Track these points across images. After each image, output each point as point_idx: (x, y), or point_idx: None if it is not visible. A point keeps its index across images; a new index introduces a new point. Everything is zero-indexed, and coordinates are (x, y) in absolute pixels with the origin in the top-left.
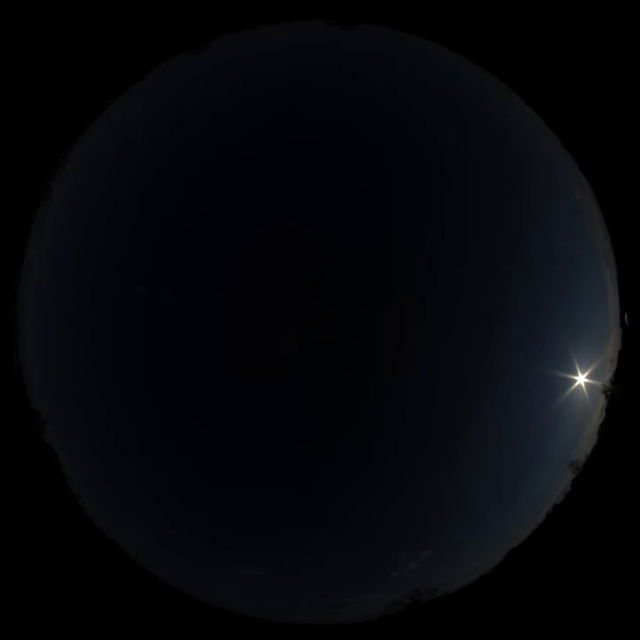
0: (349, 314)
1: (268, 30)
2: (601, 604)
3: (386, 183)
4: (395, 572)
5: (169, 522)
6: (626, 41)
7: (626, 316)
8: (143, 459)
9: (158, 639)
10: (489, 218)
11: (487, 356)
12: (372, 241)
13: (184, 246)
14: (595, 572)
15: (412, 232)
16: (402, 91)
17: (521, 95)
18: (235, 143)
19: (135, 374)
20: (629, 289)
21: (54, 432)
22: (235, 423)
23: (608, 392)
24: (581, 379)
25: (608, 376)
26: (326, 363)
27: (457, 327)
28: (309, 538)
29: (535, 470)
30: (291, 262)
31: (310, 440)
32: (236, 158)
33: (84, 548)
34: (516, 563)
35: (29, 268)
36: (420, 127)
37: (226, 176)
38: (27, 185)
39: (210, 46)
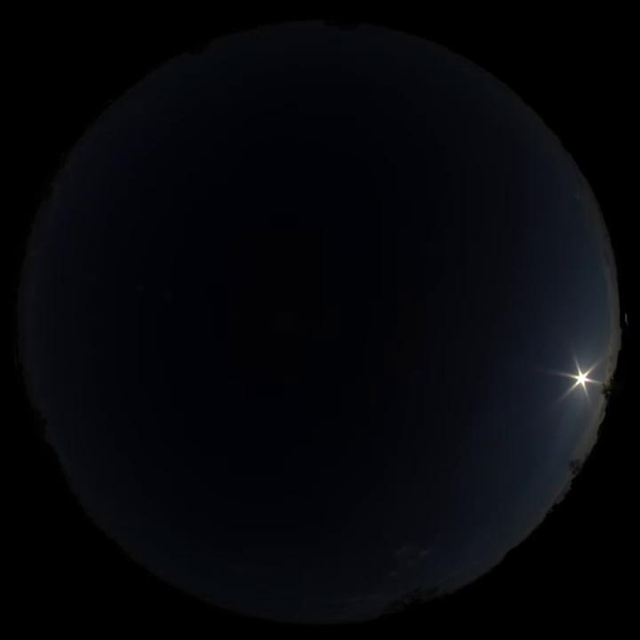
0: (350, 314)
1: (267, 30)
2: (601, 604)
3: (386, 183)
4: (395, 571)
5: (169, 522)
6: (626, 41)
7: (626, 315)
8: (143, 459)
9: (158, 639)
10: (489, 218)
11: (487, 356)
12: (373, 241)
13: (184, 246)
14: (595, 571)
15: (412, 232)
16: (402, 91)
17: (521, 95)
18: (234, 143)
19: (135, 374)
20: (629, 289)
21: (54, 432)
22: (234, 423)
23: (608, 392)
24: (582, 378)
25: (608, 376)
26: (327, 363)
27: (457, 327)
28: (309, 538)
29: (535, 470)
30: (291, 262)
31: (310, 440)
32: (235, 158)
33: (84, 548)
34: (515, 563)
35: (29, 267)
36: (420, 127)
37: (226, 176)
38: (27, 185)
39: (210, 46)
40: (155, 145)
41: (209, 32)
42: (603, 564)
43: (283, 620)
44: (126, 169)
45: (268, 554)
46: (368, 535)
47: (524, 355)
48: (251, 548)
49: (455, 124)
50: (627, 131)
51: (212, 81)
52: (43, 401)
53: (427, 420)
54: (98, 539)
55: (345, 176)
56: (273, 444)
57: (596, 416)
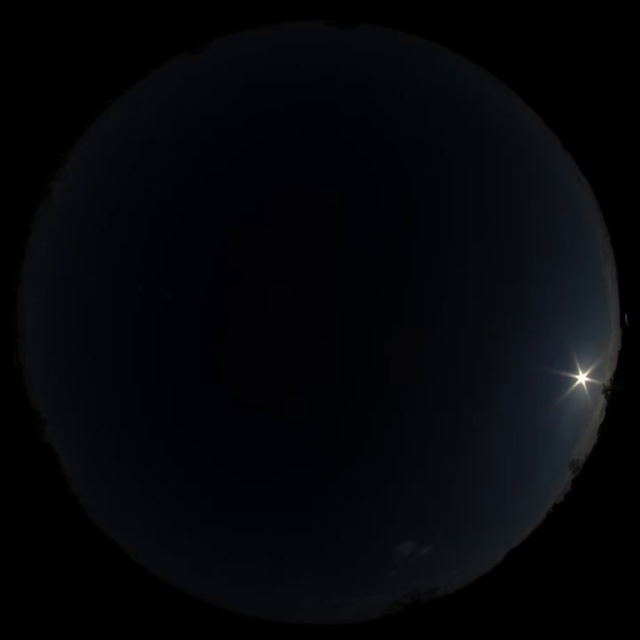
0: (352, 318)
1: (267, 30)
2: (601, 604)
3: (386, 183)
4: (395, 571)
5: (169, 522)
6: (626, 41)
7: (626, 316)
8: (143, 459)
9: (158, 639)
10: (489, 219)
11: (488, 357)
12: (373, 243)
13: (184, 247)
14: (595, 571)
15: (412, 233)
16: (402, 91)
17: (521, 95)
18: (234, 143)
19: (135, 375)
20: (629, 289)
21: (54, 432)
22: (235, 424)
23: (608, 391)
24: (582, 377)
25: (608, 375)
26: (327, 363)
27: (457, 328)
28: (309, 538)
29: (535, 470)
30: (290, 262)
31: (310, 442)
32: (235, 158)
33: (84, 548)
34: (515, 563)
35: (29, 267)
36: (420, 127)
37: (225, 176)
38: (27, 185)
39: (210, 46)
40: (154, 145)
41: (209, 32)
42: (603, 564)
43: (283, 620)
44: (126, 169)
45: (268, 554)
46: (368, 536)
47: (524, 355)
48: (251, 549)
49: (455, 124)
50: (627, 131)
51: (211, 81)
52: (43, 401)
53: (427, 422)
54: (98, 539)
55: (345, 176)
56: (273, 445)
57: (596, 416)
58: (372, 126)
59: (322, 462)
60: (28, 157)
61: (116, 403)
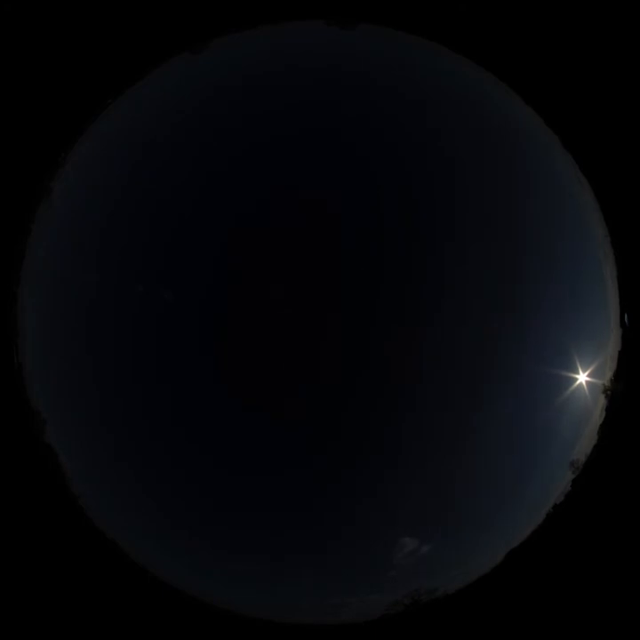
0: (352, 319)
1: (267, 30)
2: (601, 604)
3: (386, 183)
4: (394, 571)
5: (169, 522)
6: (626, 41)
7: (626, 316)
8: (143, 459)
9: (158, 639)
10: (489, 219)
11: (488, 356)
12: (373, 244)
13: (184, 247)
14: (595, 571)
15: (412, 233)
16: (402, 91)
17: (521, 95)
18: (234, 143)
19: (134, 374)
20: (629, 289)
21: (54, 432)
22: (235, 424)
23: (608, 391)
24: (582, 377)
25: (608, 375)
26: (327, 363)
27: (458, 327)
28: (309, 538)
29: (535, 470)
30: (290, 263)
31: (310, 442)
32: (235, 158)
33: (84, 548)
34: (516, 563)
35: (29, 267)
36: (420, 127)
37: (225, 176)
38: (27, 185)
39: (210, 46)
40: (154, 145)
41: (209, 32)
42: (603, 564)
43: (283, 620)
44: (126, 169)
45: (268, 554)
46: (368, 536)
47: (524, 355)
48: (250, 549)
49: (455, 124)
50: (627, 131)
51: (211, 81)
52: (43, 401)
53: (427, 422)
54: (98, 539)
55: (345, 176)
56: (273, 445)
57: (597, 416)
58: (371, 126)
59: (322, 462)
60: (28, 157)
61: (115, 403)
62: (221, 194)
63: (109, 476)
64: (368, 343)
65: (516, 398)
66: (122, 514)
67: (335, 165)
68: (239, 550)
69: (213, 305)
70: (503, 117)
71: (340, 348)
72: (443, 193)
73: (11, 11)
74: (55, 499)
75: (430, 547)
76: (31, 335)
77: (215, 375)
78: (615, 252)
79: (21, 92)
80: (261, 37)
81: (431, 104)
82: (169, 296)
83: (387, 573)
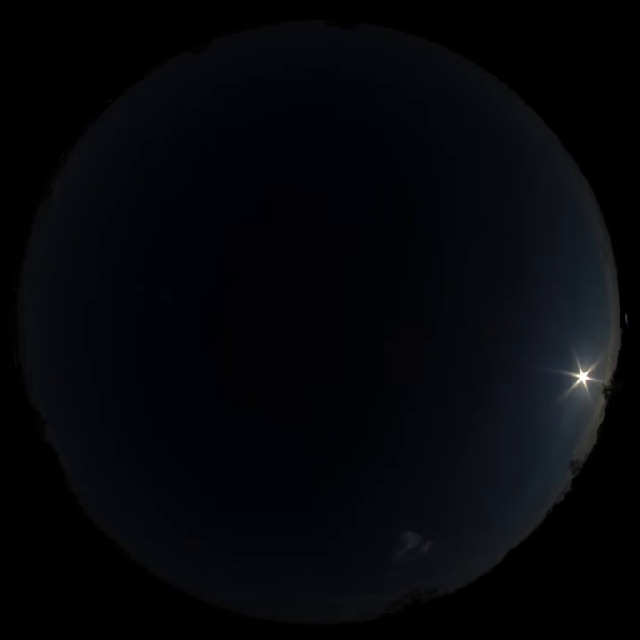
0: (352, 318)
1: (267, 30)
2: (601, 604)
3: (386, 183)
4: (394, 571)
5: (169, 522)
6: (626, 41)
7: (626, 315)
8: (143, 459)
9: (158, 639)
10: (489, 219)
11: (488, 356)
12: (373, 244)
13: (184, 247)
14: (595, 571)
15: (412, 232)
16: (402, 91)
17: (521, 95)
18: (234, 143)
19: (134, 374)
20: (629, 289)
21: (54, 432)
22: (235, 423)
23: (608, 391)
24: (582, 377)
25: (608, 375)
26: (327, 363)
27: (458, 327)
28: (309, 538)
29: (535, 470)
30: (290, 263)
31: (310, 442)
32: (235, 158)
33: (84, 548)
34: (516, 563)
35: (29, 267)
36: (420, 127)
37: (225, 176)
38: (27, 185)
39: (210, 46)
40: (154, 145)
41: (209, 32)
42: (603, 564)
43: (283, 620)
44: (126, 169)
45: (269, 554)
46: (368, 536)
47: (524, 355)
48: (250, 549)
49: (455, 124)
50: (627, 131)
51: (211, 81)
52: (43, 401)
53: (427, 422)
54: (98, 539)
55: (345, 176)
56: (273, 445)
57: (597, 416)
58: (372, 126)
59: (322, 462)
60: (28, 157)
61: (115, 403)
62: (221, 194)
63: (109, 475)
64: (368, 343)
65: (515, 398)
66: (122, 514)
67: (335, 165)
68: (239, 550)
69: (213, 305)
70: (503, 117)
71: (340, 348)
72: (443, 193)
73: (11, 11)
74: (55, 499)
75: (430, 547)
76: (31, 335)
77: (215, 375)
78: (615, 252)
79: (21, 92)
80: (261, 37)
81: (431, 104)
82: (169, 296)
83: (387, 573)
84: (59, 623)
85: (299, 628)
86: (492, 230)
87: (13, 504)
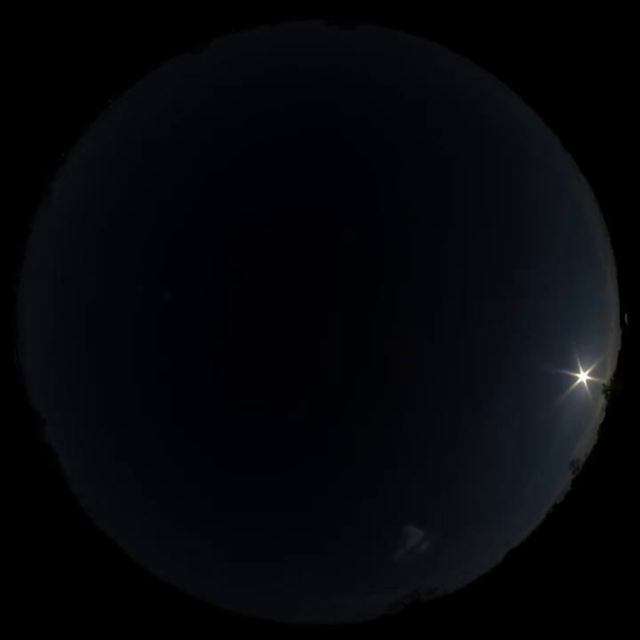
0: (352, 318)
1: (267, 30)
2: (601, 604)
3: (386, 183)
4: (394, 571)
5: (169, 522)
6: (626, 41)
7: (626, 315)
8: (143, 459)
9: (158, 639)
10: (489, 219)
11: (488, 356)
12: (373, 244)
13: (184, 247)
14: (595, 571)
15: (412, 233)
16: (402, 91)
17: (521, 95)
18: (234, 143)
19: (134, 374)
20: (629, 289)
21: (54, 432)
22: (235, 423)
23: (608, 391)
24: (582, 377)
25: (608, 375)
26: (327, 363)
27: (458, 327)
28: (309, 538)
29: (535, 470)
30: (290, 263)
31: (310, 442)
32: (235, 158)
33: (84, 548)
34: (516, 563)
35: (29, 267)
36: (420, 127)
37: (225, 176)
38: (27, 185)
39: (210, 46)
40: (154, 145)
41: (209, 32)
42: (603, 564)
43: (283, 620)
44: (126, 169)
45: (268, 554)
46: (368, 536)
47: (524, 355)
48: (250, 549)
49: (455, 124)
50: (626, 131)
51: (212, 81)
52: (43, 401)
53: (427, 422)
54: (98, 539)
55: (345, 176)
56: (273, 445)
57: (597, 415)
58: (371, 126)
59: (322, 462)
60: (28, 157)
61: (115, 403)
62: (221, 194)
63: (109, 475)
64: (368, 343)
65: (515, 398)
66: (122, 514)
67: (335, 165)
68: (239, 550)
69: (213, 305)
70: (503, 117)
71: (340, 348)
72: (442, 193)
73: (11, 11)
74: (55, 499)
75: (430, 547)
76: (31, 335)
77: (215, 375)
78: (615, 252)
79: (21, 93)
80: (261, 37)
81: (431, 104)
82: (169, 296)
83: (387, 573)
84: (59, 623)
85: (299, 627)
86: (492, 230)
87: (13, 504)
